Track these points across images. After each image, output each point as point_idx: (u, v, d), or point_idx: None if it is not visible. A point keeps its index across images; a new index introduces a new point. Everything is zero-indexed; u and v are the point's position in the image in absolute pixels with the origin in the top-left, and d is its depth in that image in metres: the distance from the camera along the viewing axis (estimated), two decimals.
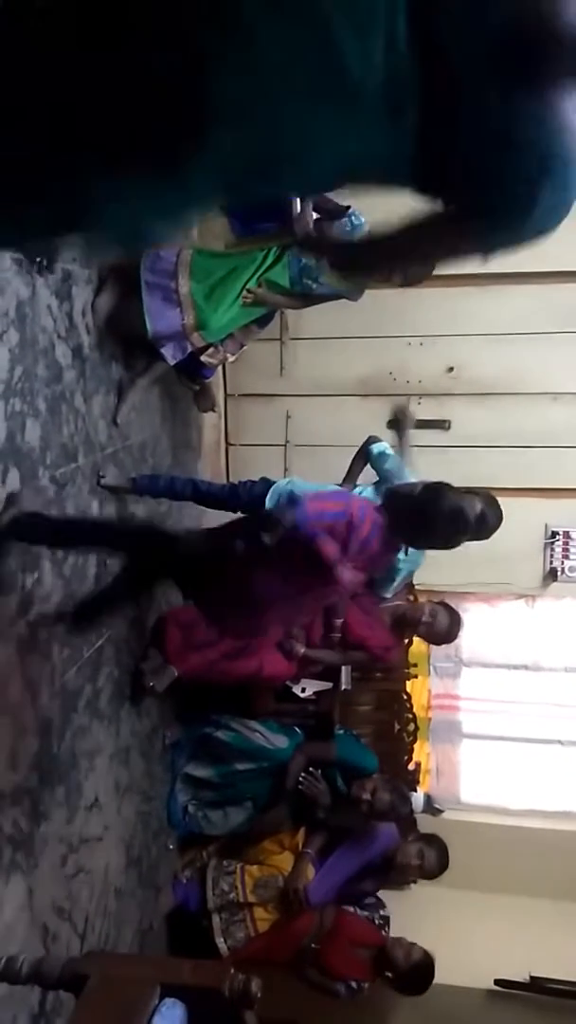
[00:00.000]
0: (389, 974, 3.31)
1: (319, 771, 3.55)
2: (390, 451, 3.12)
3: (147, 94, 0.95)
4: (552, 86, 0.95)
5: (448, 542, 2.29)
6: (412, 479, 3.06)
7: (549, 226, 1.03)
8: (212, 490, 3.22)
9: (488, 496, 2.93)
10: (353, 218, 3.11)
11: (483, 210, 1.04)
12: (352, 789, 3.46)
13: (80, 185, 1.04)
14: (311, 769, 3.55)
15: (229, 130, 0.98)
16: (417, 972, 3.25)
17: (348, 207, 3.12)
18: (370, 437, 3.20)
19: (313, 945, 3.38)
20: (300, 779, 3.53)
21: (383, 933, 3.51)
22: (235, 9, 0.92)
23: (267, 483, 3.09)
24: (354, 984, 3.37)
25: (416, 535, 2.38)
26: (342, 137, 1.02)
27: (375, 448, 3.13)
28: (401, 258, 1.44)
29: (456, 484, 3.12)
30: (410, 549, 2.93)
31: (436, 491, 2.27)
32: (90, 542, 2.65)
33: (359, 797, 3.41)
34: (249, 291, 3.01)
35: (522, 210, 1.01)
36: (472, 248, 1.16)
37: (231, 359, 3.45)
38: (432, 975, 3.26)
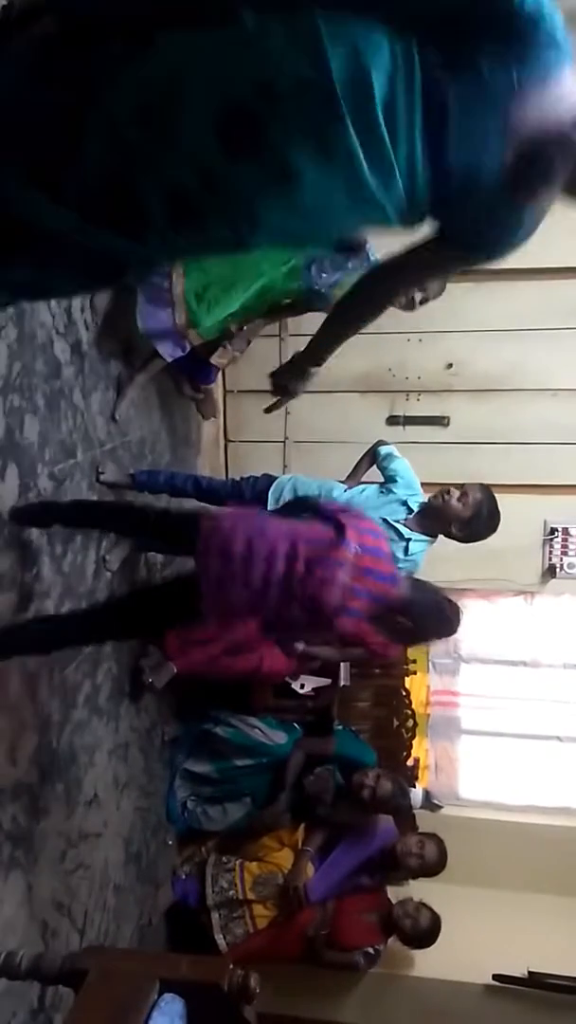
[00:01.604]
0: (398, 935, 3.46)
1: (329, 768, 3.56)
2: (398, 453, 3.11)
3: (202, 214, 1.28)
4: (544, 190, 1.23)
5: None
6: (417, 482, 3.07)
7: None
8: (214, 486, 3.22)
9: (487, 492, 2.94)
10: (372, 251, 3.04)
11: (473, 252, 1.37)
12: (354, 777, 3.47)
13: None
14: (326, 767, 3.56)
15: (266, 235, 1.32)
16: (425, 928, 3.42)
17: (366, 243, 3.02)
18: (379, 441, 3.20)
19: (323, 932, 3.42)
20: (312, 776, 3.54)
21: (384, 894, 3.60)
22: (283, 154, 1.18)
23: (270, 478, 3.10)
24: (371, 951, 3.46)
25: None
26: (364, 227, 1.42)
27: (383, 450, 3.13)
28: (404, 284, 1.72)
29: (455, 480, 3.13)
30: (410, 549, 2.93)
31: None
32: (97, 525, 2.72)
33: (362, 783, 3.42)
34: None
35: (504, 253, 1.34)
36: (455, 268, 1.55)
37: (239, 357, 3.43)
38: (439, 929, 3.42)
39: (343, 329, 1.73)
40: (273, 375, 1.88)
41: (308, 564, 2.17)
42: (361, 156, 1.19)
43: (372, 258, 2.99)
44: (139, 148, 1.24)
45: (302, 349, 1.79)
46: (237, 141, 1.20)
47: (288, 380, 1.89)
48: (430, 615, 2.32)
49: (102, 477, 2.92)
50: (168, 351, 3.00)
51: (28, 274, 1.48)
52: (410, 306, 3.07)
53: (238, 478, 3.21)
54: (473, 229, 1.30)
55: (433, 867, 3.53)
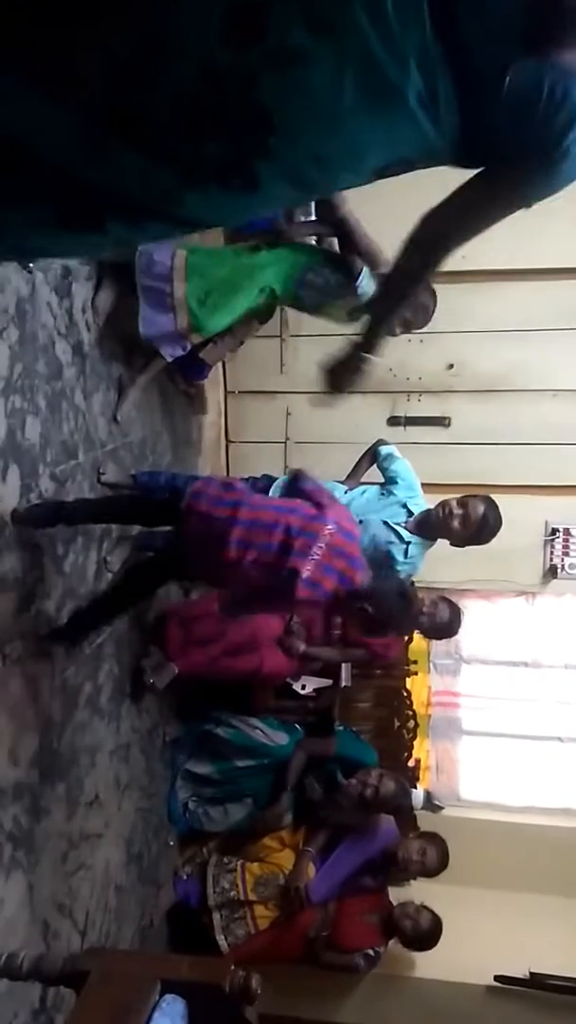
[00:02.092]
0: (399, 937, 3.45)
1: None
2: (398, 454, 3.11)
3: (215, 117, 1.15)
4: (569, 47, 1.09)
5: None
6: (417, 483, 3.06)
7: None
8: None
9: (488, 499, 2.93)
10: (364, 281, 2.99)
11: (521, 163, 1.20)
12: (356, 776, 3.47)
13: (172, 195, 1.27)
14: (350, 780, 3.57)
15: (289, 142, 1.17)
16: (425, 930, 3.41)
17: (362, 270, 2.97)
18: (378, 440, 3.20)
19: (323, 933, 3.42)
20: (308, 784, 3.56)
21: (385, 896, 3.59)
22: (284, 35, 1.09)
23: (270, 479, 3.09)
24: (371, 952, 3.45)
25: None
26: (390, 134, 1.20)
27: (383, 450, 3.12)
28: (447, 238, 1.45)
29: (456, 481, 3.13)
30: (409, 552, 2.93)
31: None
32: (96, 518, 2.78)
33: (365, 782, 3.42)
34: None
35: (556, 157, 1.17)
36: (512, 201, 1.31)
37: (229, 356, 3.44)
38: (440, 931, 3.41)
39: (396, 299, 1.67)
40: (330, 372, 1.83)
41: (288, 533, 2.28)
42: (371, 33, 1.10)
43: (363, 286, 2.97)
44: (139, 67, 1.18)
45: (356, 341, 1.74)
46: (242, 30, 1.13)
47: (345, 376, 1.85)
48: (393, 604, 2.34)
49: (103, 478, 2.92)
50: (169, 351, 3.01)
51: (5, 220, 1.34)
52: (391, 332, 3.04)
53: (239, 479, 3.21)
54: (507, 127, 1.16)
55: (434, 870, 3.53)
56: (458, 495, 2.98)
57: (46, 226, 1.35)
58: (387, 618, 2.36)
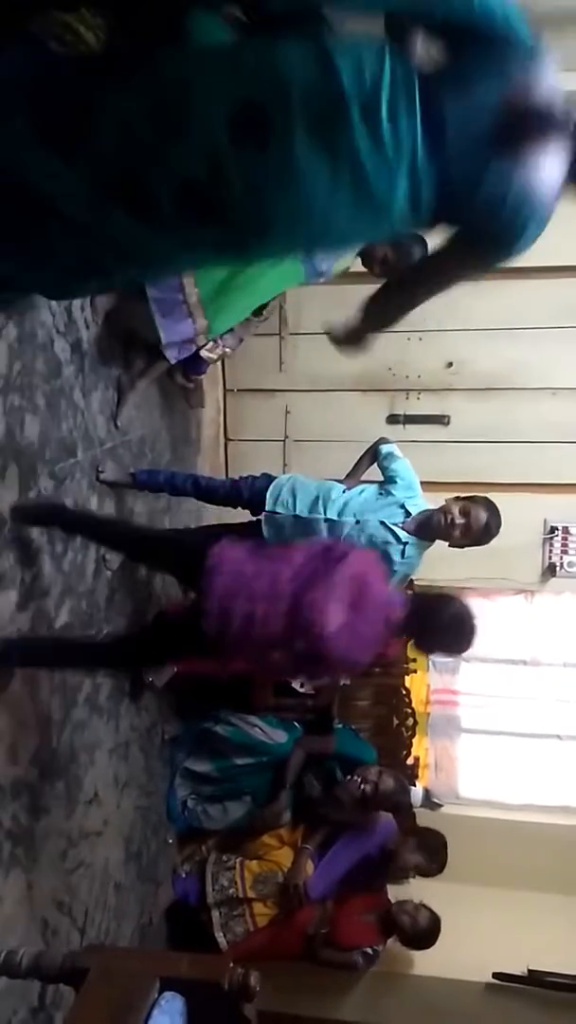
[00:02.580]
0: (397, 935, 3.45)
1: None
2: (399, 453, 3.10)
3: (216, 211, 1.37)
4: (534, 156, 1.31)
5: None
6: (417, 483, 3.05)
7: (530, 244, 1.42)
8: (213, 485, 3.22)
9: (487, 502, 2.92)
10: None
11: (488, 246, 1.45)
12: (356, 772, 3.47)
13: (170, 257, 1.57)
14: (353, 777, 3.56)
15: (282, 233, 1.40)
16: (424, 929, 3.42)
17: None
18: (380, 439, 3.19)
19: (322, 931, 3.42)
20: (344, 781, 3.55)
21: (384, 895, 3.60)
22: (286, 150, 1.28)
23: (269, 478, 3.09)
24: (369, 951, 3.46)
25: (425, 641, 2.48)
26: (374, 230, 1.50)
27: (384, 448, 3.11)
28: (422, 288, 1.76)
29: (455, 479, 3.12)
30: (407, 552, 2.91)
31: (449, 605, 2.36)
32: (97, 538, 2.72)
33: (365, 778, 3.42)
34: None
35: (519, 242, 1.41)
36: (477, 271, 1.66)
37: (230, 353, 3.44)
38: (438, 929, 3.41)
39: (379, 321, 1.89)
40: (343, 338, 1.94)
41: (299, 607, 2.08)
42: (366, 157, 1.29)
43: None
44: (150, 143, 1.32)
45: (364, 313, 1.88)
46: (247, 135, 1.28)
47: (353, 338, 1.95)
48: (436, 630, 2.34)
49: (102, 476, 2.92)
50: (175, 354, 3.01)
51: (11, 265, 1.55)
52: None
53: (237, 477, 3.21)
54: (478, 214, 1.37)
55: (433, 869, 3.54)
56: (459, 498, 2.94)
57: (69, 273, 1.58)
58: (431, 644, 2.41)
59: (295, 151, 1.28)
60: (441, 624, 2.31)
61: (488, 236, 1.41)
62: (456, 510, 2.86)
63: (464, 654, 2.57)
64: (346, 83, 1.26)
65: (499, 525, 2.90)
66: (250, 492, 3.06)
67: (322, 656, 2.08)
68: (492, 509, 2.89)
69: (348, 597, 2.10)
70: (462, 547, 2.93)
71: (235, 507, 3.16)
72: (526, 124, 1.29)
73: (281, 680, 3.73)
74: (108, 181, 1.35)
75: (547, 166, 1.33)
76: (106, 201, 1.37)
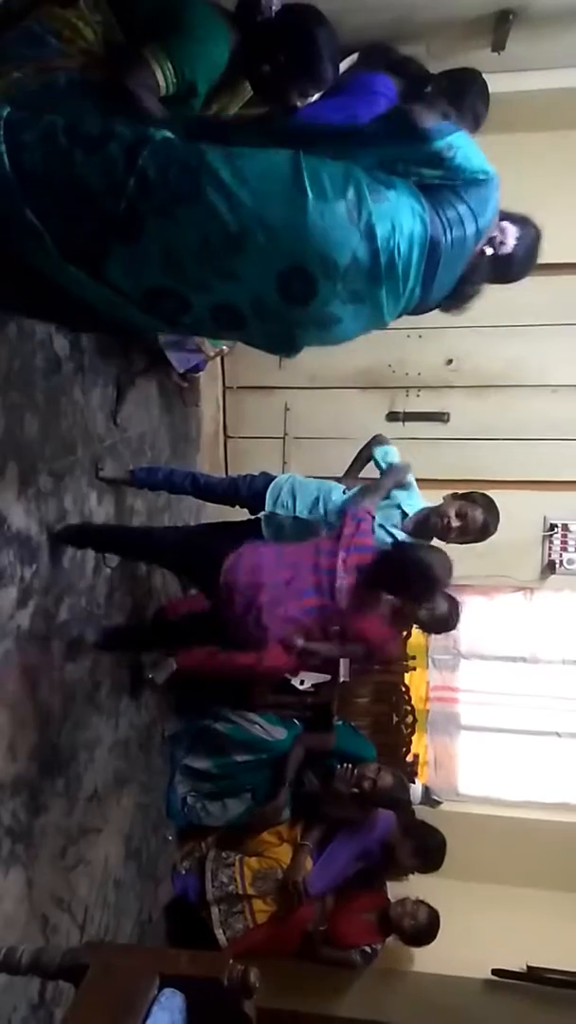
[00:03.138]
0: (397, 933, 3.47)
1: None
2: (395, 453, 3.09)
3: (251, 333, 1.75)
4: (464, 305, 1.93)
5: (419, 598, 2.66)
6: (414, 481, 3.05)
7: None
8: (211, 483, 3.22)
9: (485, 499, 2.92)
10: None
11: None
12: (355, 770, 3.48)
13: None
14: (346, 765, 3.58)
15: (304, 348, 1.79)
16: (424, 925, 3.44)
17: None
18: (376, 436, 3.18)
19: (321, 928, 3.43)
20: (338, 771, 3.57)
21: (383, 893, 3.61)
22: (326, 305, 1.62)
23: (268, 477, 3.09)
24: (368, 949, 3.48)
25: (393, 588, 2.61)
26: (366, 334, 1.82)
27: (379, 450, 3.10)
28: None
29: (455, 476, 3.11)
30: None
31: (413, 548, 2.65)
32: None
33: (363, 775, 3.43)
34: None
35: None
36: None
37: (227, 351, 3.44)
38: (438, 925, 3.44)
39: None
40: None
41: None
42: (386, 303, 1.63)
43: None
44: (197, 274, 1.51)
45: None
46: (294, 291, 1.51)
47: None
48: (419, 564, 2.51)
49: (101, 474, 2.92)
50: (183, 363, 3.04)
51: (51, 317, 1.99)
52: None
53: (236, 476, 3.21)
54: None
55: (433, 867, 3.54)
56: (456, 497, 2.94)
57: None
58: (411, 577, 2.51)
59: (333, 306, 1.56)
60: (404, 568, 2.49)
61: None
62: (452, 511, 2.87)
63: (430, 600, 2.71)
64: (380, 246, 1.53)
65: (497, 522, 2.90)
66: (248, 491, 3.06)
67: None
68: (489, 507, 2.89)
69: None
70: (463, 543, 2.93)
71: (233, 505, 3.16)
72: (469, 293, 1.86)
73: (281, 677, 3.74)
74: (142, 295, 1.54)
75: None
76: (131, 306, 1.56)
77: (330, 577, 2.50)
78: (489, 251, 1.81)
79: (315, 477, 3.15)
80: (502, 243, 1.84)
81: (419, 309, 1.79)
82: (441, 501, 2.99)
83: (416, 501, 3.00)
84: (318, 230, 1.47)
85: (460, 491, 3.01)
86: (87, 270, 1.49)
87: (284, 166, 1.50)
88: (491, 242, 1.81)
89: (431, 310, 1.83)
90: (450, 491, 3.02)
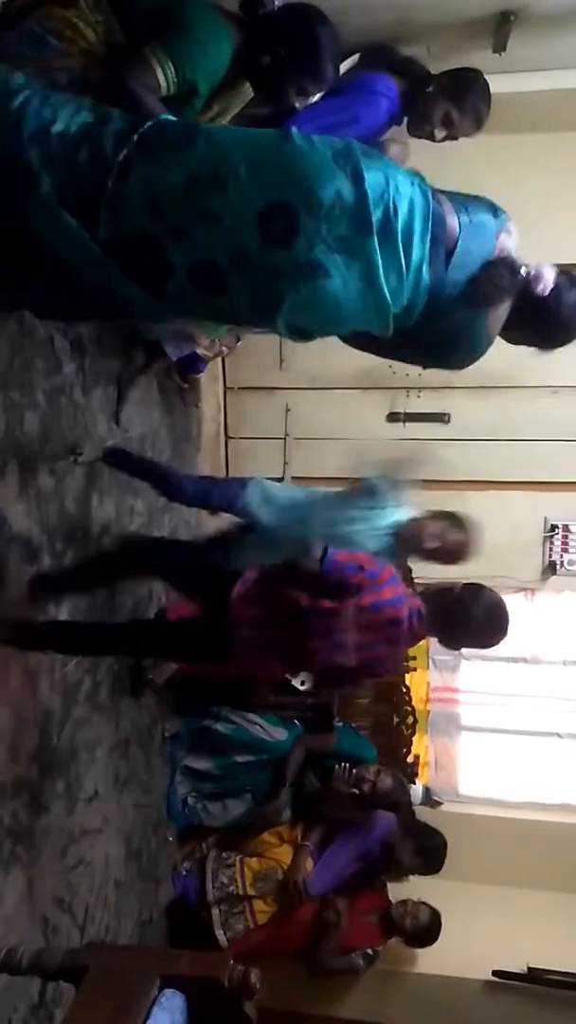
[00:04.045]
0: (399, 934, 3.48)
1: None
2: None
3: (233, 292, 1.59)
4: (497, 299, 1.67)
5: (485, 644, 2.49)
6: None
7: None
8: (183, 486, 3.04)
9: (459, 521, 2.88)
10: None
11: (433, 360, 1.92)
12: (355, 771, 3.48)
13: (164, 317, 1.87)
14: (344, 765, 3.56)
15: (291, 317, 1.59)
16: (425, 925, 3.45)
17: None
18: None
19: (336, 923, 3.43)
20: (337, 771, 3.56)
21: (384, 894, 3.61)
22: (309, 250, 1.48)
23: (240, 484, 2.97)
24: (370, 951, 3.48)
25: (455, 636, 2.49)
26: (370, 322, 1.62)
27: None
28: None
29: (456, 477, 3.10)
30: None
31: (474, 595, 2.41)
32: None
33: (363, 777, 3.43)
34: None
35: (464, 364, 1.90)
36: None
37: (227, 352, 3.44)
38: (439, 925, 3.44)
39: None
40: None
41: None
42: (381, 264, 1.48)
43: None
44: (178, 217, 1.45)
45: None
46: (274, 231, 1.44)
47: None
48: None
49: (81, 459, 2.74)
50: (175, 352, 3.03)
51: (41, 298, 1.71)
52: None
53: (208, 479, 3.11)
54: (440, 340, 1.72)
55: (433, 868, 3.54)
56: (436, 517, 2.92)
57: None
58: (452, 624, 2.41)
59: (318, 250, 1.44)
60: (475, 619, 2.34)
61: (439, 359, 1.85)
62: (432, 530, 2.84)
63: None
64: (370, 194, 1.44)
65: (477, 541, 2.87)
66: (221, 496, 2.97)
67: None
68: (464, 528, 2.86)
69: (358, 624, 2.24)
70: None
71: (206, 510, 3.10)
72: (498, 278, 1.63)
73: (281, 678, 3.74)
74: (125, 250, 1.47)
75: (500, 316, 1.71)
76: (119, 267, 1.48)
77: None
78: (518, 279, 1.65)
79: (315, 478, 3.13)
80: (537, 279, 1.67)
81: (439, 306, 1.60)
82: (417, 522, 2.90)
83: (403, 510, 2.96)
84: (301, 163, 1.45)
85: (438, 511, 2.93)
86: (81, 220, 1.46)
87: (273, 131, 1.58)
88: (526, 282, 1.66)
89: (456, 310, 1.63)
90: (450, 492, 3.02)
